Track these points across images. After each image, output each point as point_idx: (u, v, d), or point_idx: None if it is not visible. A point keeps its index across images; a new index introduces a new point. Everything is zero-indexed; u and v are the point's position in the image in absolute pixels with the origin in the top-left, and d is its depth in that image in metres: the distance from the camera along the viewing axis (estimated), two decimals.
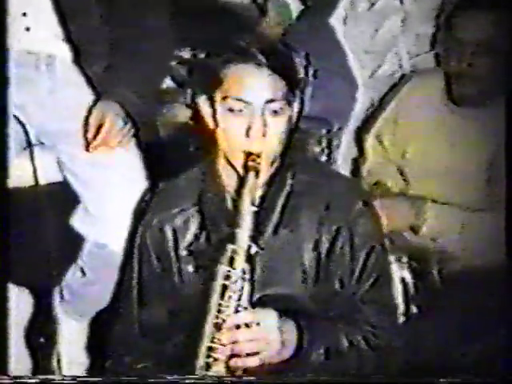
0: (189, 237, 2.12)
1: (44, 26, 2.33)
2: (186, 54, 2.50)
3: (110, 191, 2.38)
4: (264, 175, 2.04)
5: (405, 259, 2.43)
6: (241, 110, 2.00)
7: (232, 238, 1.98)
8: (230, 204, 2.09)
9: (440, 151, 2.45)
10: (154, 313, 2.13)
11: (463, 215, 2.39)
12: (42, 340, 2.50)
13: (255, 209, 1.99)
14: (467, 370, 2.25)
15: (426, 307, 2.38)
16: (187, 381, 2.03)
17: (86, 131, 2.32)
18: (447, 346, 2.32)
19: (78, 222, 2.45)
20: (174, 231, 2.12)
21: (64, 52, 2.35)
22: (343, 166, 2.56)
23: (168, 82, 2.51)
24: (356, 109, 2.58)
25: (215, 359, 1.96)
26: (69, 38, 2.33)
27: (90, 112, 2.32)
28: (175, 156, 2.45)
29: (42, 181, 2.45)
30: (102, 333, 2.36)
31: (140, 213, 2.21)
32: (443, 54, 2.46)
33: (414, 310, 2.36)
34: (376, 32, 2.56)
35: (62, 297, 2.52)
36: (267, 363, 1.97)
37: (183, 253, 2.12)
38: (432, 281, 2.43)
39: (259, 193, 2.06)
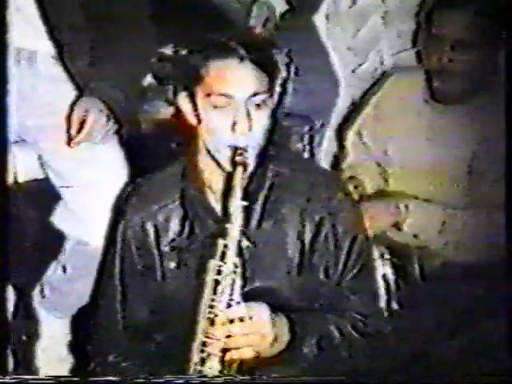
0: (171, 233, 2.17)
1: (26, 21, 2.36)
2: (168, 50, 2.54)
3: (91, 188, 2.42)
4: (249, 169, 2.08)
5: (387, 255, 2.47)
6: (225, 106, 2.05)
7: (223, 233, 2.03)
8: (212, 199, 2.15)
9: (421, 148, 2.49)
10: (137, 310, 2.18)
11: (444, 212, 2.43)
12: (23, 338, 2.53)
13: (245, 203, 2.04)
14: (448, 366, 2.32)
15: (407, 304, 2.42)
16: (177, 381, 2.10)
17: (68, 126, 2.35)
18: (428, 341, 2.38)
19: (58, 219, 2.50)
20: (156, 227, 2.17)
21: (46, 48, 2.39)
22: (324, 163, 2.61)
23: (149, 79, 2.56)
24: (338, 106, 2.64)
25: (209, 354, 2.02)
26: (51, 35, 2.37)
27: (72, 108, 2.36)
28: (157, 152, 2.50)
29: (24, 178, 2.51)
30: (84, 331, 2.37)
31: (119, 209, 2.25)
32: (423, 51, 2.51)
33: (395, 306, 2.40)
34: (358, 29, 2.62)
35: (42, 294, 2.56)
36: (261, 357, 2.04)
37: (165, 249, 2.17)
38: (413, 277, 2.48)
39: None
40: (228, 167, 2.07)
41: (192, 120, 2.13)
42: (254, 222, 2.13)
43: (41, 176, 2.52)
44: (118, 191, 2.35)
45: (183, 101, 2.13)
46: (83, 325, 2.44)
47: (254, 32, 2.59)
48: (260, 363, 2.06)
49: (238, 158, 2.04)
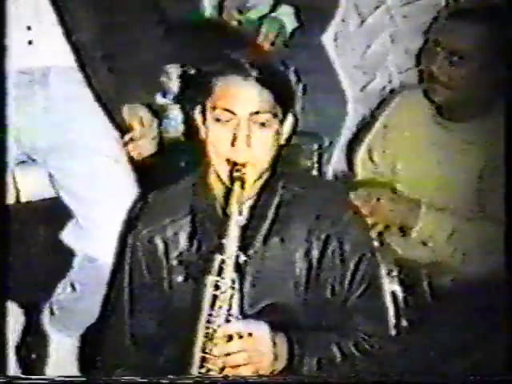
0: (180, 247, 2.27)
1: (38, 38, 2.49)
2: (176, 70, 2.67)
3: (101, 204, 2.52)
4: (251, 186, 2.19)
5: (395, 272, 2.55)
6: (227, 121, 2.17)
7: (220, 248, 2.14)
8: (220, 213, 2.24)
9: (430, 165, 2.58)
10: (145, 324, 2.28)
11: (455, 221, 2.53)
12: (33, 356, 2.64)
13: (242, 219, 2.15)
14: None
15: (417, 321, 2.51)
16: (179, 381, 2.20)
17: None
18: (438, 360, 2.46)
19: (68, 236, 2.59)
20: (165, 242, 2.28)
21: (60, 67, 2.52)
22: (333, 180, 2.73)
23: (159, 98, 2.68)
24: (347, 124, 2.74)
25: (208, 370, 2.12)
26: (70, 51, 2.50)
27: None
28: (166, 170, 2.60)
29: (31, 197, 2.62)
30: (93, 347, 2.49)
31: (129, 224, 2.36)
32: (427, 69, 2.59)
33: (404, 323, 2.48)
34: (366, 48, 2.74)
35: (52, 313, 2.65)
36: (260, 374, 2.13)
37: (174, 263, 2.27)
38: (422, 294, 2.56)
39: (250, 203, 2.24)
40: (227, 182, 2.18)
41: (202, 133, 2.25)
42: (260, 239, 2.23)
43: (49, 195, 2.61)
44: (129, 206, 2.44)
45: (198, 114, 2.26)
46: (93, 342, 2.55)
47: (264, 50, 2.70)
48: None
49: (235, 174, 2.15)
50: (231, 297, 2.14)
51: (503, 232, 2.44)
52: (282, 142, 2.26)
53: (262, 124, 2.17)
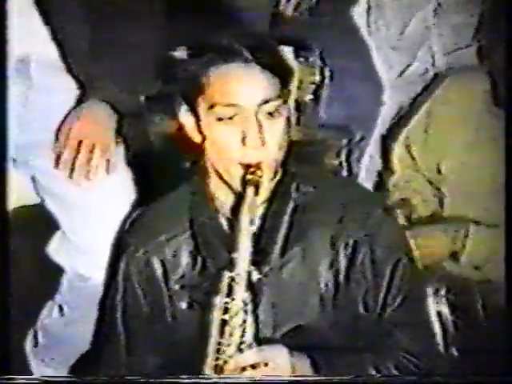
0: (181, 268, 2.16)
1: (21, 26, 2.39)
2: (182, 53, 2.44)
3: (93, 214, 2.42)
4: (265, 190, 2.09)
5: (443, 292, 2.46)
6: (232, 117, 2.05)
7: (230, 265, 2.03)
8: (226, 226, 2.14)
9: (481, 165, 2.49)
10: (145, 357, 2.18)
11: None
12: None
13: (255, 229, 2.05)
14: None
15: (468, 349, 2.40)
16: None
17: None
18: None
19: (55, 250, 2.49)
20: (163, 263, 2.17)
21: (42, 52, 2.42)
22: (366, 181, 2.61)
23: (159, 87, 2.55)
24: (382, 115, 2.63)
25: None
26: (51, 40, 2.40)
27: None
28: (169, 173, 2.50)
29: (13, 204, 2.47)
30: (83, 381, 2.34)
31: (121, 241, 2.27)
32: (486, 49, 2.50)
33: (455, 352, 2.38)
34: (405, 24, 2.61)
35: (35, 341, 2.55)
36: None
37: (175, 287, 2.16)
38: (475, 317, 2.46)
39: (260, 210, 2.13)
40: (238, 187, 2.07)
41: (195, 137, 2.15)
42: (277, 251, 2.12)
43: (34, 201, 2.52)
44: (121, 219, 2.35)
45: (185, 116, 2.15)
46: (83, 376, 2.39)
47: (285, 16, 2.60)
48: None
49: (249, 177, 2.05)
50: (244, 321, 2.04)
51: None
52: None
53: (270, 114, 2.08)
